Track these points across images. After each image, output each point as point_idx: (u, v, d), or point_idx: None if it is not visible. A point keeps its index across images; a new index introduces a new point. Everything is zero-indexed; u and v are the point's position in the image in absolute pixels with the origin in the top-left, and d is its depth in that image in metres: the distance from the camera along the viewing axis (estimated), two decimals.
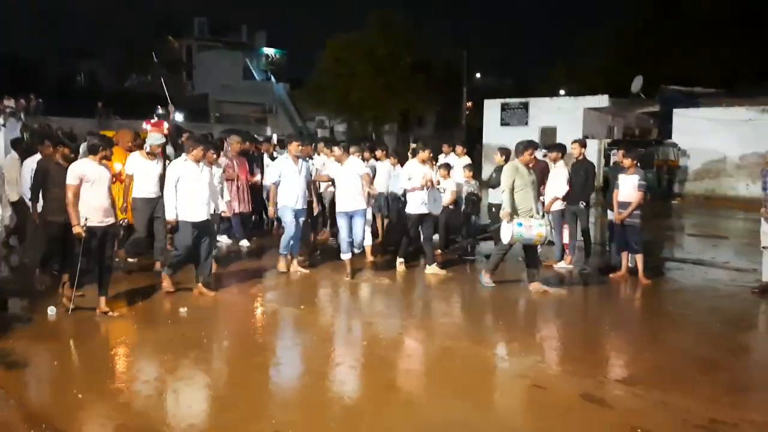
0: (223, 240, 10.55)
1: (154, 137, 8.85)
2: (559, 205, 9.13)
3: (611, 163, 13.84)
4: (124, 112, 33.66)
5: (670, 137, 21.63)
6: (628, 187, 8.52)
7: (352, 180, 8.61)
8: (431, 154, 9.56)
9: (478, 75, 43.62)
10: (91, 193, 6.36)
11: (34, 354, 5.55)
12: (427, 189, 8.87)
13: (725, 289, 8.56)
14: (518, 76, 44.23)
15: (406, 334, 6.36)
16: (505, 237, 7.72)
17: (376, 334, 6.38)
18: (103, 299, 6.57)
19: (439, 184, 9.38)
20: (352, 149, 9.37)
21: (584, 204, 9.32)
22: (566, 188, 8.99)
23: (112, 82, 48.07)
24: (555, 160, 9.28)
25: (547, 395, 4.92)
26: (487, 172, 22.21)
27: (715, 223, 15.28)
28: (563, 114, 24.65)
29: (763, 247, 8.17)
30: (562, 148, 9.45)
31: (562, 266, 9.23)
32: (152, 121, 10.76)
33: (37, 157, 7.90)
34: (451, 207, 10.17)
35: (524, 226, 7.61)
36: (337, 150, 9.01)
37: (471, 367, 5.53)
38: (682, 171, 21.05)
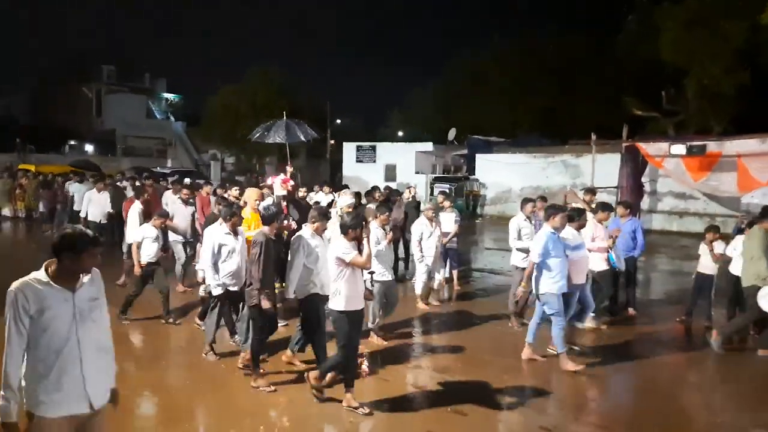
0: None
1: (346, 200, 6.61)
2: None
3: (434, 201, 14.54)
4: (39, 147, 30.53)
5: (474, 174, 23.31)
6: (448, 221, 9.13)
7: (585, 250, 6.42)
8: (607, 215, 7.38)
9: (338, 121, 44.28)
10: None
11: None
12: (610, 249, 7.14)
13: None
14: (368, 120, 45.43)
15: None
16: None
17: None
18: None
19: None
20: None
21: None
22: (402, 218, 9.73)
23: (27, 117, 43.22)
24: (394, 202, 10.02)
25: (389, 386, 5.35)
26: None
27: (504, 238, 16.59)
28: (401, 155, 25.70)
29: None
30: (386, 199, 9.89)
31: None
32: (281, 177, 8.04)
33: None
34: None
35: None
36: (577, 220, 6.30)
37: None
38: (482, 198, 22.78)
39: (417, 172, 24.18)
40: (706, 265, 7.47)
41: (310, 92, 37.82)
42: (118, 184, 13.35)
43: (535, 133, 27.02)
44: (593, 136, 17.07)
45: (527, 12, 41.22)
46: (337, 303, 4.62)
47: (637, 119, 23.39)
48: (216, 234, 5.67)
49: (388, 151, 27.07)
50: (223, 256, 5.62)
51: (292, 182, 8.19)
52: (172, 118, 47.02)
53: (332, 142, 39.83)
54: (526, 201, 7.99)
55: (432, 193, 20.98)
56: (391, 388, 5.27)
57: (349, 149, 28.58)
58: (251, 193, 6.95)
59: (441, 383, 5.41)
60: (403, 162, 25.18)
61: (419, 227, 7.99)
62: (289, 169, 8.40)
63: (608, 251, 7.15)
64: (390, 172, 25.08)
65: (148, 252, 6.99)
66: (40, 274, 2.64)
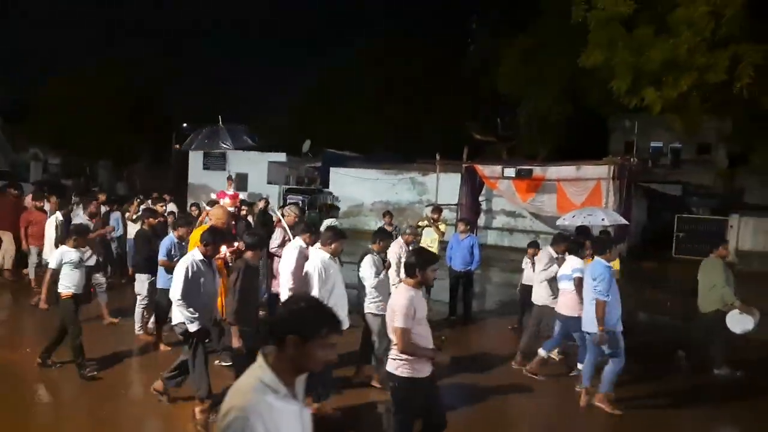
0: None
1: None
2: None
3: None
4: None
5: (328, 187, 23.64)
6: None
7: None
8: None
9: (185, 125, 42.05)
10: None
11: None
12: None
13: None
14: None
15: None
16: (746, 326, 6.45)
17: None
18: None
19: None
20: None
21: None
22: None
23: None
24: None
25: None
26: None
27: (354, 251, 17.11)
28: (253, 164, 25.10)
29: None
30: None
31: None
32: (229, 192, 6.90)
33: None
34: None
35: (755, 317, 6.53)
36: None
37: None
38: (335, 211, 23.07)
39: (270, 183, 23.82)
40: (529, 276, 8.37)
41: (156, 91, 35.49)
42: None
43: (390, 150, 28.14)
44: (437, 156, 18.36)
45: (383, 25, 43.01)
46: (401, 366, 3.60)
47: (477, 142, 25.63)
48: (191, 259, 4.91)
49: (239, 160, 26.29)
50: (200, 286, 4.87)
51: (241, 196, 7.52)
52: None
53: (177, 146, 37.65)
54: (561, 238, 7.30)
55: (285, 205, 20.82)
56: None
57: (196, 156, 27.22)
58: (218, 212, 5.96)
59: None
60: (255, 172, 24.62)
61: (397, 250, 7.27)
62: (230, 182, 7.60)
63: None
64: (241, 182, 24.36)
65: (72, 282, 5.71)
66: (270, 380, 1.60)
